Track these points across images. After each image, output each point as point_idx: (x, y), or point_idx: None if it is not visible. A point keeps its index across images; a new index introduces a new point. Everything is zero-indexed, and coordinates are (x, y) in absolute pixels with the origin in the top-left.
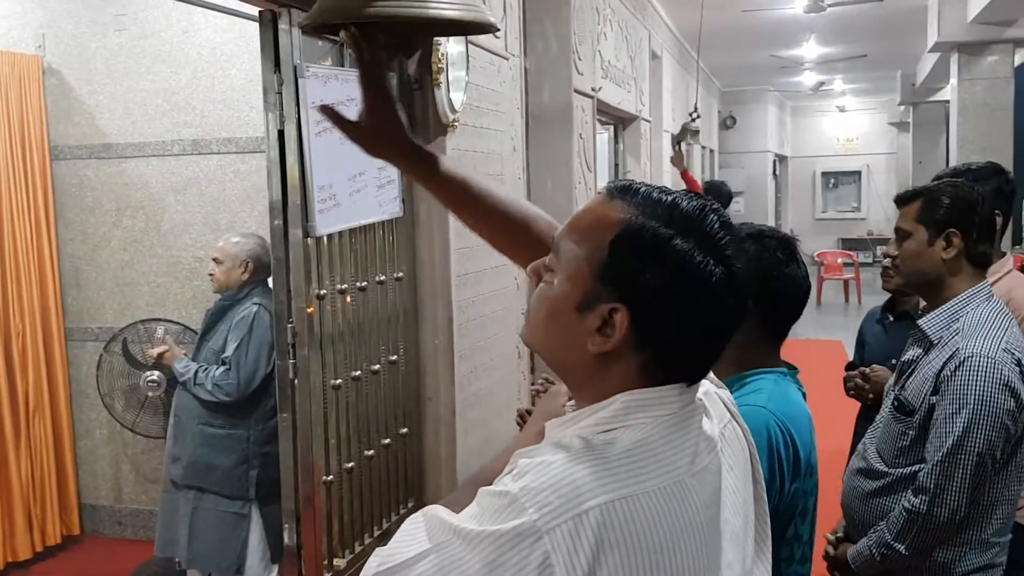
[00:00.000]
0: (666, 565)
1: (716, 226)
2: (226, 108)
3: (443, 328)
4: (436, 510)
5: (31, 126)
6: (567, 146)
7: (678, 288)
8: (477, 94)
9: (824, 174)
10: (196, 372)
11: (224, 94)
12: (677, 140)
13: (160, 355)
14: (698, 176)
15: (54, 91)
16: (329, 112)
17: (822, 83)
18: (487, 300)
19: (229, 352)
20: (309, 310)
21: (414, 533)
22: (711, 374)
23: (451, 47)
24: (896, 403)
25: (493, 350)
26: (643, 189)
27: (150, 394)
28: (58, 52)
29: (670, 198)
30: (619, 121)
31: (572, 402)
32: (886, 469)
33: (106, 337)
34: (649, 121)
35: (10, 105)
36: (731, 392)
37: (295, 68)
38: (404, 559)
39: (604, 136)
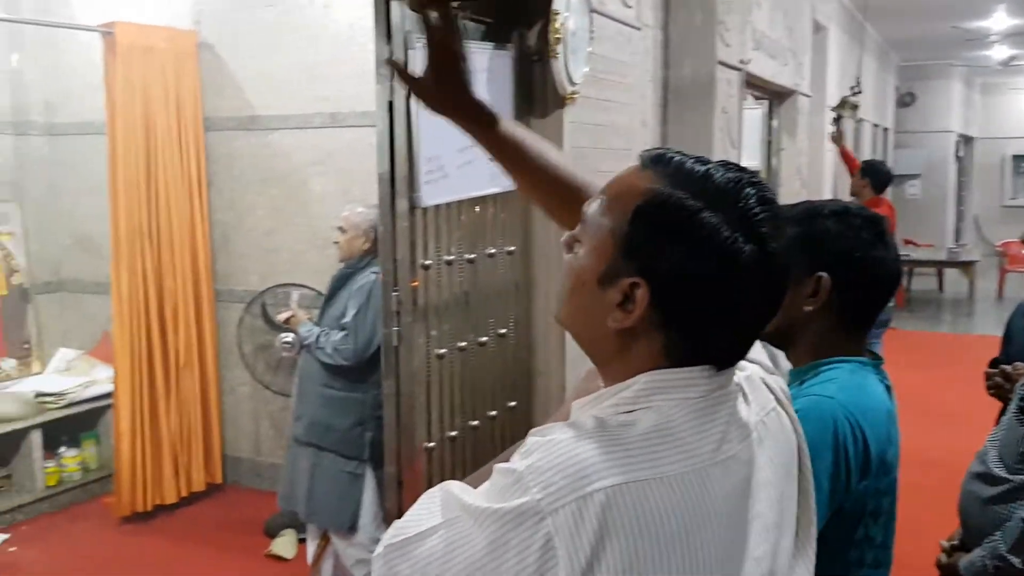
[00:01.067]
0: (677, 556)
1: (752, 200)
2: (362, 82)
3: (555, 304)
4: (451, 485)
5: (186, 98)
6: (708, 121)
7: (700, 264)
8: (602, 65)
9: (1016, 157)
10: (318, 336)
11: (360, 68)
12: (836, 116)
13: (287, 319)
14: (866, 156)
15: (208, 65)
16: (395, 66)
17: (1013, 57)
18: None
19: (348, 318)
20: (413, 284)
21: (429, 507)
22: (763, 358)
23: (573, 18)
24: (1021, 404)
25: None
26: (677, 158)
27: (284, 355)
28: (212, 27)
29: (704, 168)
30: (774, 96)
31: (602, 385)
32: (1006, 475)
33: (249, 299)
34: (809, 96)
35: (168, 78)
36: (804, 380)
37: (405, 39)
38: (416, 532)
39: (757, 112)
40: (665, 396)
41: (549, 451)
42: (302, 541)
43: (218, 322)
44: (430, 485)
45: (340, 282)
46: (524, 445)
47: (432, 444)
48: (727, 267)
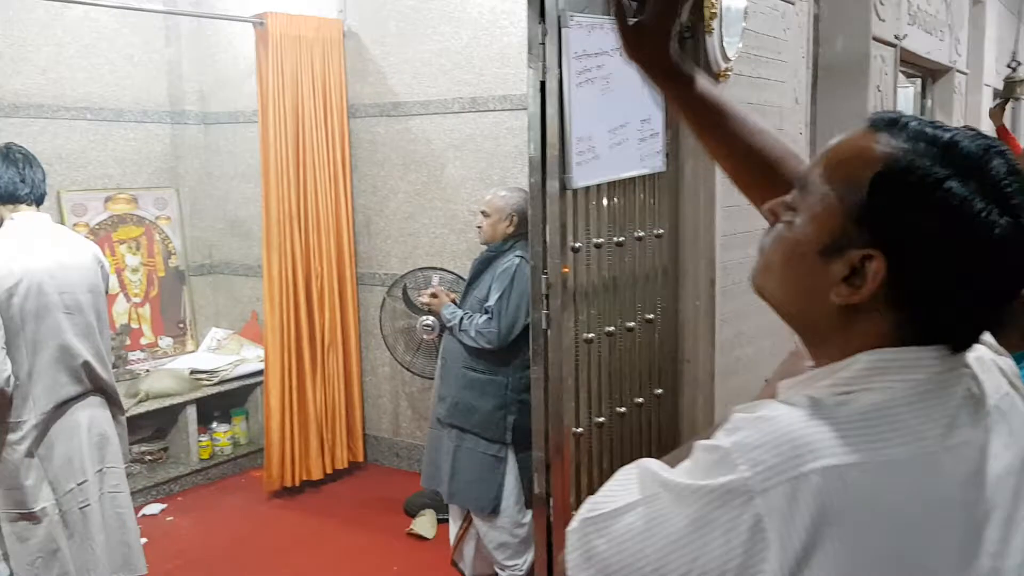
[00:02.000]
0: (906, 548)
1: (1002, 171)
2: (503, 66)
3: (704, 290)
4: (649, 463)
5: (332, 85)
6: (860, 100)
7: (950, 238)
8: (756, 42)
9: None
10: (461, 319)
11: (501, 52)
12: (1003, 97)
13: (430, 301)
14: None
15: (352, 53)
16: (617, 5)
17: None
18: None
19: (491, 302)
20: (564, 269)
21: (626, 484)
22: (990, 339)
23: None
24: None
25: (760, 317)
26: (915, 123)
27: (424, 337)
28: (357, 15)
29: (948, 135)
30: (928, 74)
31: (812, 364)
32: None
33: (390, 282)
34: (965, 73)
35: (315, 67)
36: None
37: (559, 18)
38: (613, 508)
39: (909, 91)
40: (889, 378)
41: (759, 428)
42: (442, 521)
43: (360, 304)
44: (578, 471)
45: (483, 265)
46: (728, 422)
47: (580, 429)
48: (978, 241)
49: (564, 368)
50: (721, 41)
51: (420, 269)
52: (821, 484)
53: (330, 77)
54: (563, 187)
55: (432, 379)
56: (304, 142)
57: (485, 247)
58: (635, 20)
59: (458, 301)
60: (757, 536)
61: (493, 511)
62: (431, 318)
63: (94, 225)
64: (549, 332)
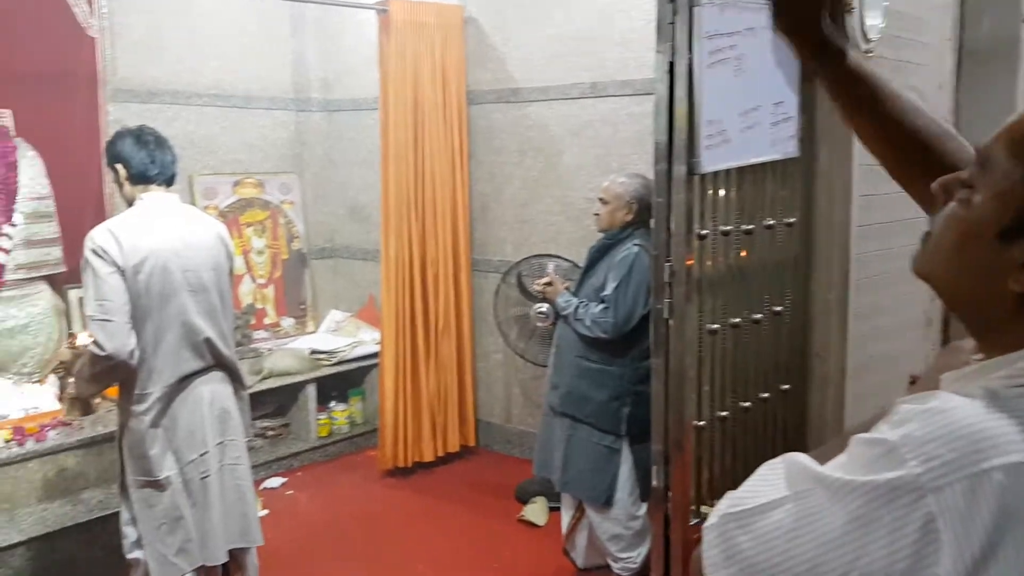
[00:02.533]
0: None
1: None
2: (624, 50)
3: (838, 282)
4: (798, 456)
5: (451, 72)
6: (1009, 86)
7: None
8: (898, 22)
9: None
10: (576, 307)
11: (623, 36)
12: None
13: (545, 288)
14: None
15: (472, 39)
16: None
17: None
18: (895, 256)
19: (608, 291)
20: (688, 262)
21: (771, 479)
22: None
23: None
24: None
25: (898, 313)
26: None
27: (538, 324)
28: (477, 1)
29: None
30: None
31: (980, 356)
32: None
33: (504, 269)
34: None
35: (436, 53)
36: None
37: None
38: (757, 504)
39: None
40: None
41: (931, 420)
42: (554, 509)
43: (474, 290)
44: (699, 465)
45: (599, 253)
46: (894, 414)
47: (702, 423)
48: None
49: (686, 359)
50: (862, 20)
51: (535, 256)
52: (1004, 482)
53: (450, 63)
54: (690, 172)
55: (545, 367)
56: (423, 129)
57: (602, 235)
58: None
59: (572, 289)
60: (929, 537)
61: (606, 502)
62: (545, 305)
63: (223, 208)
64: (671, 322)
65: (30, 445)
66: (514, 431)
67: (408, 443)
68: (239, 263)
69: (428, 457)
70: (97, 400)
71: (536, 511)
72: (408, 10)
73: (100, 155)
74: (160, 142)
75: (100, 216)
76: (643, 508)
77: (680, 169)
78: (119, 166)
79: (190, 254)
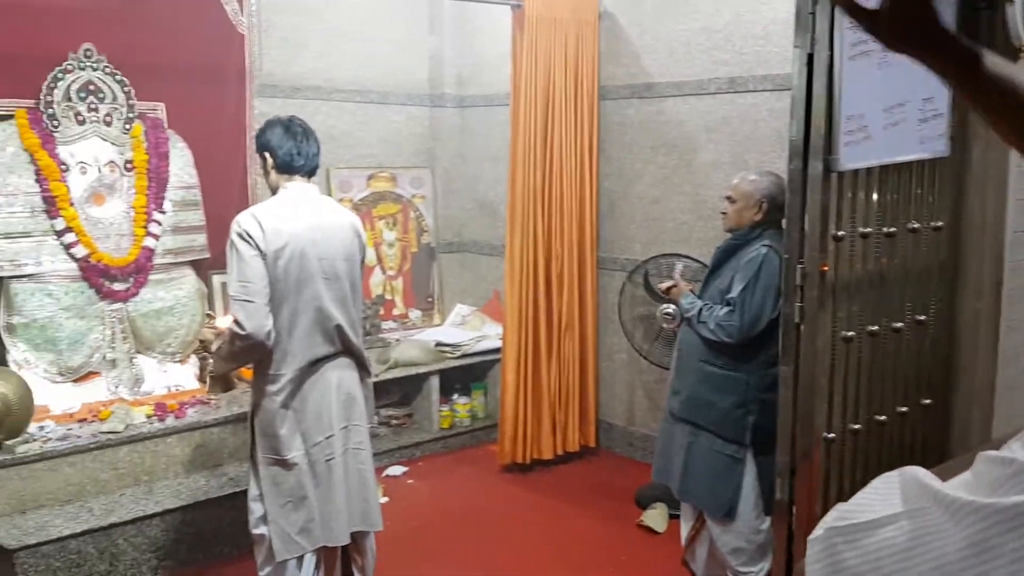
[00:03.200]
0: None
1: None
2: (766, 44)
3: (988, 291)
4: (916, 471)
5: (584, 67)
6: None
7: None
8: None
9: None
10: (700, 310)
11: (765, 29)
12: None
13: (668, 289)
14: None
15: (607, 33)
16: (842, 2)
17: None
18: None
19: (734, 293)
20: (823, 268)
21: (885, 493)
22: None
23: None
24: None
25: None
26: None
27: (664, 326)
28: None
29: None
30: None
31: None
32: None
33: (631, 268)
34: None
35: (569, 48)
36: None
37: None
38: (869, 519)
39: None
40: None
41: None
42: (674, 517)
43: (599, 288)
44: (827, 479)
45: (726, 254)
46: None
47: (832, 435)
48: None
49: (817, 367)
50: (1022, 12)
51: (663, 255)
52: None
53: (583, 58)
54: (827, 170)
55: (668, 369)
56: (553, 124)
57: (729, 235)
58: (873, 9)
59: (697, 291)
60: None
61: (728, 514)
62: (672, 306)
63: (357, 201)
64: (802, 327)
65: (170, 421)
66: (636, 434)
67: (528, 440)
68: (370, 255)
69: (547, 455)
70: (237, 381)
71: (656, 517)
72: (542, 5)
73: (246, 147)
74: (307, 134)
75: (243, 205)
76: (767, 522)
77: (816, 166)
78: (267, 154)
79: (326, 243)
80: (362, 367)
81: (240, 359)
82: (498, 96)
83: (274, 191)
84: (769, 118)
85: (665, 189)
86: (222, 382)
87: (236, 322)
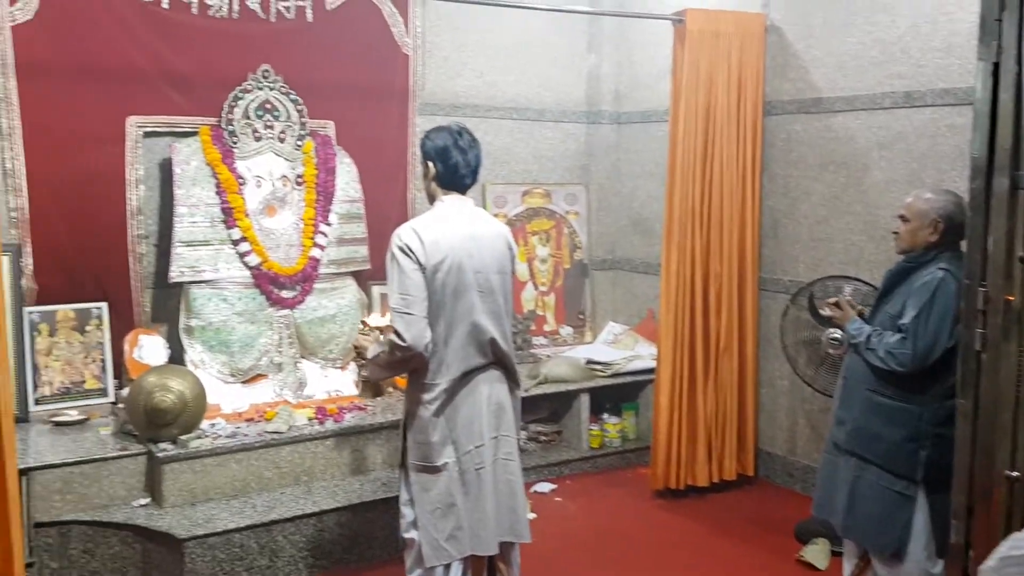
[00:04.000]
0: None
1: None
2: (946, 56)
3: None
4: None
5: (748, 82)
6: None
7: None
8: None
9: None
10: (869, 336)
11: (945, 41)
12: None
13: (833, 312)
14: None
15: (773, 47)
16: None
17: None
18: None
19: (906, 319)
20: (1009, 298)
21: None
22: None
23: None
24: None
25: None
26: None
27: (830, 352)
28: (781, 9)
29: None
30: None
31: None
32: None
33: (795, 290)
34: None
35: (732, 63)
36: None
37: None
38: None
39: None
40: None
41: None
42: (836, 554)
43: (760, 310)
44: (1010, 520)
45: (898, 277)
46: None
47: (1016, 473)
48: None
49: (999, 400)
50: None
51: (830, 278)
52: None
53: (747, 73)
54: (1014, 187)
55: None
56: (713, 140)
57: (902, 257)
58: None
59: (866, 315)
60: None
61: (896, 554)
62: (839, 331)
63: (511, 216)
64: (983, 356)
65: (329, 424)
66: (797, 464)
67: (681, 464)
68: (523, 270)
69: (702, 482)
70: (390, 390)
71: (817, 553)
72: (705, 19)
73: (407, 163)
74: (474, 147)
75: (403, 219)
76: (939, 565)
77: (1002, 184)
78: (431, 163)
79: (481, 257)
80: (512, 378)
81: (397, 369)
82: (656, 112)
83: (431, 198)
84: (949, 134)
85: (833, 208)
86: (373, 388)
87: (396, 333)
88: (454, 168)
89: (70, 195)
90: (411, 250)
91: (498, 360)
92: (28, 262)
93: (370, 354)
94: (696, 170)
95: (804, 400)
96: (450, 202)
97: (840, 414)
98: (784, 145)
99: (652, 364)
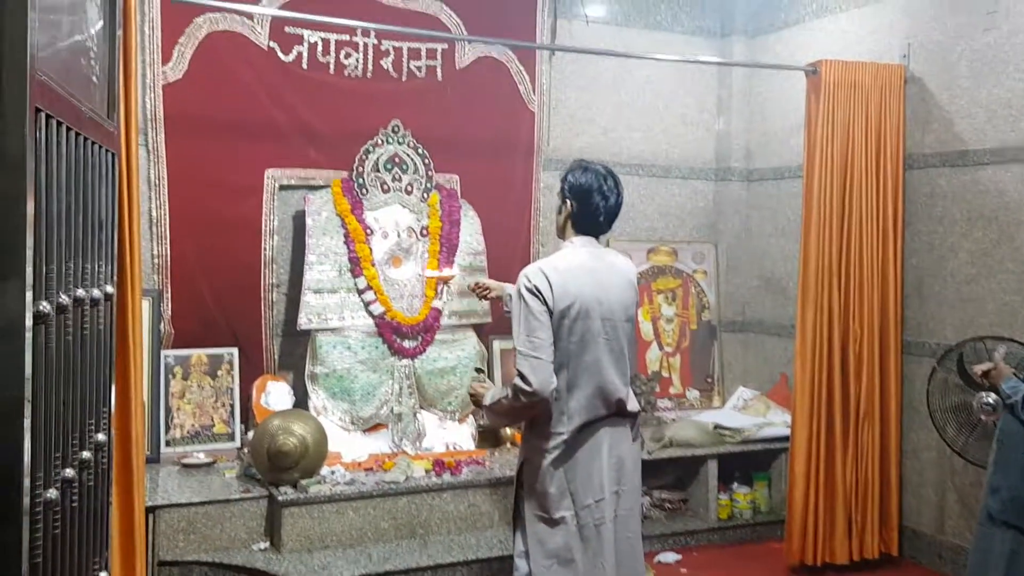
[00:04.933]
0: None
1: None
2: None
3: None
4: None
5: (888, 134)
6: None
7: None
8: None
9: None
10: None
11: None
12: None
13: (987, 373)
14: None
15: (913, 99)
16: None
17: None
18: None
19: None
20: None
21: None
22: None
23: None
24: None
25: None
26: None
27: (983, 418)
28: (921, 59)
29: None
30: None
31: None
32: None
33: (942, 352)
34: None
35: (870, 115)
36: None
37: None
38: None
39: None
40: None
41: None
42: None
43: (903, 374)
44: None
45: None
46: None
47: None
48: None
49: None
50: None
51: (981, 338)
52: None
53: (886, 126)
54: None
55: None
56: (851, 195)
57: None
58: None
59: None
60: None
61: None
62: (993, 395)
63: (636, 274)
64: None
65: (446, 477)
66: (946, 544)
67: (819, 539)
68: (647, 329)
69: (841, 559)
70: (508, 445)
71: None
72: (841, 71)
73: (531, 218)
74: (617, 194)
75: None
76: None
77: None
78: (570, 202)
79: (610, 303)
80: (632, 428)
81: (520, 415)
82: (788, 168)
83: (560, 233)
84: None
85: (983, 266)
86: (492, 437)
87: (522, 377)
88: (593, 212)
89: (209, 243)
90: (539, 291)
91: (620, 410)
92: (167, 307)
93: (487, 400)
94: (833, 226)
95: (954, 472)
96: (580, 244)
97: (995, 481)
98: (927, 200)
99: (786, 431)
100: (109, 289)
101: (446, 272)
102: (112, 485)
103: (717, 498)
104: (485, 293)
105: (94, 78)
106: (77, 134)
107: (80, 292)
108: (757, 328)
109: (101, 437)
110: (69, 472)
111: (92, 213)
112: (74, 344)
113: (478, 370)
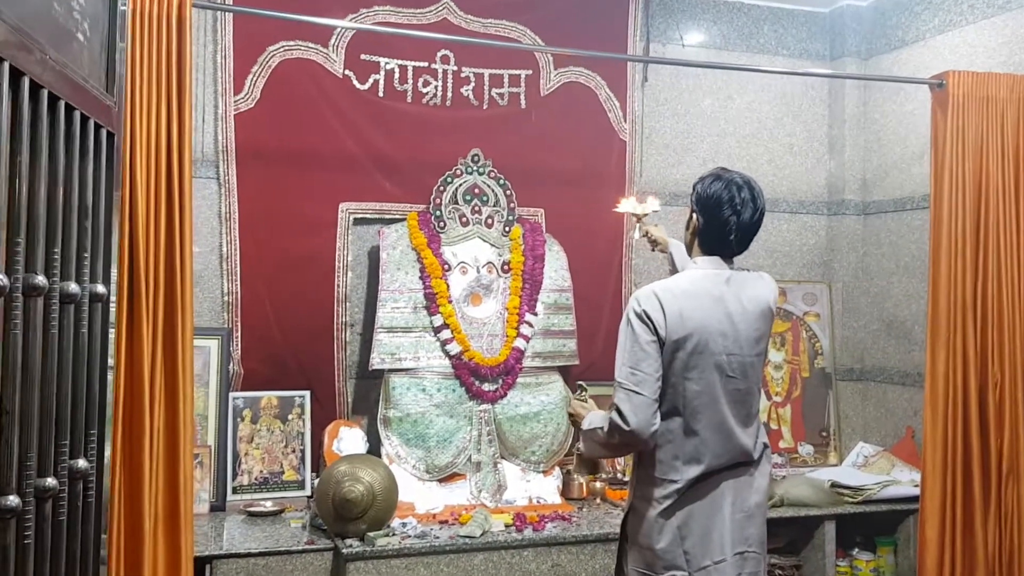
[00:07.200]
0: None
1: None
2: None
3: None
4: None
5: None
6: None
7: None
8: None
9: None
10: None
11: None
12: None
13: None
14: None
15: None
16: None
17: None
18: None
19: None
20: None
21: None
22: None
23: None
24: None
25: None
26: None
27: None
28: None
29: None
30: None
31: None
32: None
33: None
34: None
35: (1006, 130)
36: None
37: None
38: None
39: None
40: None
41: None
42: None
43: None
44: None
45: None
46: None
47: None
48: None
49: None
50: None
51: None
52: None
53: None
54: None
55: None
56: (986, 223)
57: None
58: None
59: None
60: None
61: None
62: None
63: None
64: None
65: (528, 533)
66: None
67: None
68: None
69: None
70: (598, 501)
71: None
72: (971, 83)
73: (622, 253)
74: (752, 208)
75: (616, 314)
76: None
77: None
78: (696, 215)
79: (737, 338)
80: (762, 475)
81: (616, 452)
82: (911, 199)
83: (688, 251)
84: None
85: None
86: (589, 464)
87: (619, 413)
88: (720, 228)
89: (280, 280)
90: (650, 318)
91: (746, 458)
92: (236, 347)
93: (585, 425)
94: (967, 259)
95: None
96: (705, 265)
97: None
98: None
99: (915, 491)
100: (99, 289)
101: (640, 208)
102: (106, 524)
103: (836, 564)
104: (655, 244)
105: (80, 35)
106: (39, 87)
107: (39, 280)
108: (878, 376)
109: (82, 464)
110: (11, 499)
111: (70, 193)
112: (30, 342)
113: (581, 387)
